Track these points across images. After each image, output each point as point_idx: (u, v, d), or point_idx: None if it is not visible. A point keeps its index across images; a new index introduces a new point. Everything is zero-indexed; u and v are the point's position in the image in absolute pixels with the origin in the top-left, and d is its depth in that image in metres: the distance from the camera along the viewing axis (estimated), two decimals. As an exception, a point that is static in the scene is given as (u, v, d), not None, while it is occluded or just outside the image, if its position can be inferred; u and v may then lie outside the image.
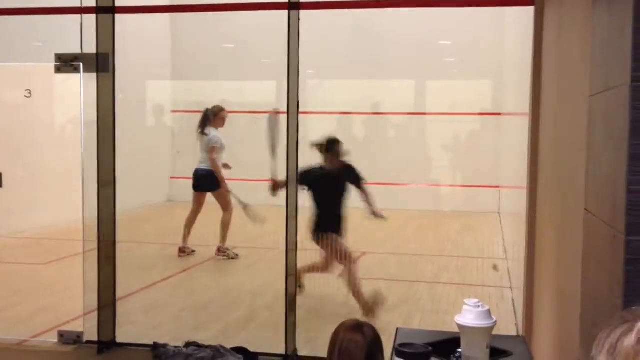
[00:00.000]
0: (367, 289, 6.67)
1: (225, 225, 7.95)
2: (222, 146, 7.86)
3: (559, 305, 2.89)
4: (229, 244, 7.98)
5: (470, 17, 11.04)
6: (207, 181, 7.87)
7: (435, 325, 5.35)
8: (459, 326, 1.85)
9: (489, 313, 1.83)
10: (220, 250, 7.83)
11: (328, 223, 5.71)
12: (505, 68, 10.21)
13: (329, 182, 5.69)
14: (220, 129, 7.94)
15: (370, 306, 5.45)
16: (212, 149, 7.76)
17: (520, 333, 4.35)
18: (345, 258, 5.68)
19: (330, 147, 5.73)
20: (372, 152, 12.15)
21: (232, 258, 7.79)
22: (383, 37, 11.65)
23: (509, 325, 4.86)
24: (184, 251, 7.84)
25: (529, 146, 4.22)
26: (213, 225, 8.22)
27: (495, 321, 1.84)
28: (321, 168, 5.73)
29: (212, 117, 7.89)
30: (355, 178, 5.87)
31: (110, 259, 4.84)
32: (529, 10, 4.40)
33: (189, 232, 7.94)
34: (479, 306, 1.82)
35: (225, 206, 7.94)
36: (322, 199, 5.76)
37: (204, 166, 7.85)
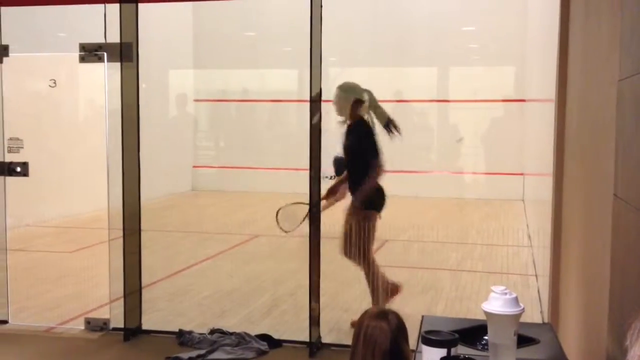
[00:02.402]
0: (390, 275, 6.68)
1: None
2: None
3: (586, 293, 2.86)
4: (250, 231, 7.97)
5: (494, 2, 10.93)
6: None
7: (459, 313, 5.33)
8: (486, 313, 1.83)
9: (516, 300, 1.82)
10: None
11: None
12: (529, 54, 10.09)
13: None
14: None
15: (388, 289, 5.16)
16: None
17: (546, 320, 4.32)
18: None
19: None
20: (394, 140, 12.10)
21: None
22: (405, 24, 11.58)
23: (534, 313, 4.84)
24: None
25: (554, 132, 4.17)
26: (236, 213, 8.26)
27: (523, 308, 1.82)
28: None
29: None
30: None
31: (135, 247, 4.88)
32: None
33: None
34: (506, 293, 1.80)
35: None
36: None
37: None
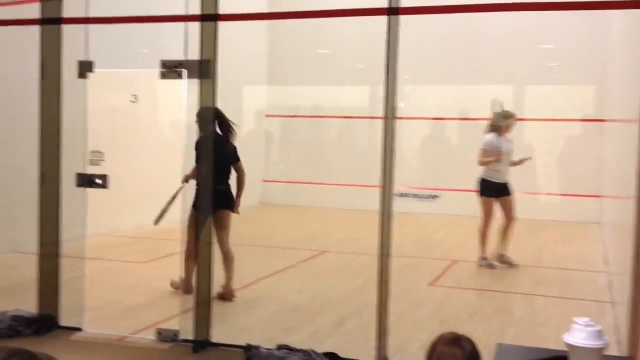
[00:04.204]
0: (459, 298, 6.56)
1: (502, 232, 7.75)
2: (492, 149, 7.56)
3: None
4: (318, 246, 7.96)
5: (573, 20, 10.66)
6: (485, 187, 7.67)
7: (532, 340, 5.17)
8: (568, 346, 1.76)
9: (600, 333, 1.74)
10: (501, 258, 7.69)
11: None
12: (610, 73, 9.78)
13: None
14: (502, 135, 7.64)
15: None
16: (481, 152, 7.65)
17: (625, 353, 4.13)
18: None
19: None
20: (466, 158, 11.92)
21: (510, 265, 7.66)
22: (481, 42, 11.43)
23: (611, 343, 4.64)
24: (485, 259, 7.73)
25: (638, 154, 4.01)
26: (304, 228, 8.28)
27: (608, 342, 1.74)
28: None
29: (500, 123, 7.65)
30: None
31: (206, 259, 4.95)
32: (637, 14, 4.20)
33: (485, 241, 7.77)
34: (590, 325, 1.73)
35: (505, 213, 7.74)
36: None
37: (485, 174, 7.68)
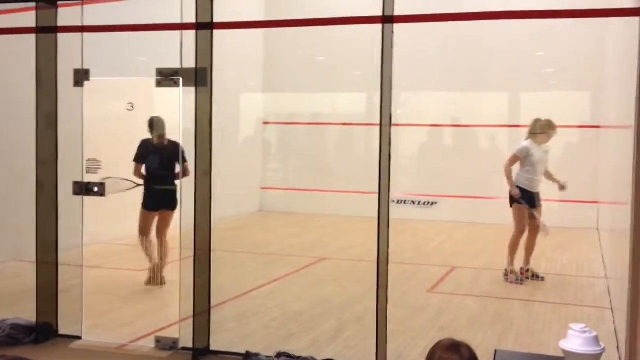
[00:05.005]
0: (458, 304, 6.56)
1: (524, 245, 7.54)
2: (526, 156, 7.39)
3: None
4: (317, 253, 7.97)
5: (569, 28, 10.70)
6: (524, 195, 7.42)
7: (531, 346, 5.17)
8: (564, 352, 1.77)
9: (596, 339, 1.75)
10: (522, 272, 7.47)
11: None
12: (606, 80, 9.81)
13: None
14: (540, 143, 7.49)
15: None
16: (511, 157, 7.52)
17: (623, 359, 4.14)
18: None
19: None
20: (464, 165, 11.95)
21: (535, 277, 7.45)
22: (477, 49, 11.46)
23: (610, 349, 4.64)
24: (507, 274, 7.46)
25: (634, 160, 4.03)
26: (303, 235, 8.29)
27: (604, 348, 1.75)
28: None
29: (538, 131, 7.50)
30: None
31: (205, 266, 4.95)
32: (633, 21, 4.22)
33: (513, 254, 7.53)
34: (586, 331, 1.73)
35: (516, 224, 7.52)
36: None
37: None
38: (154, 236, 6.78)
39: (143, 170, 6.52)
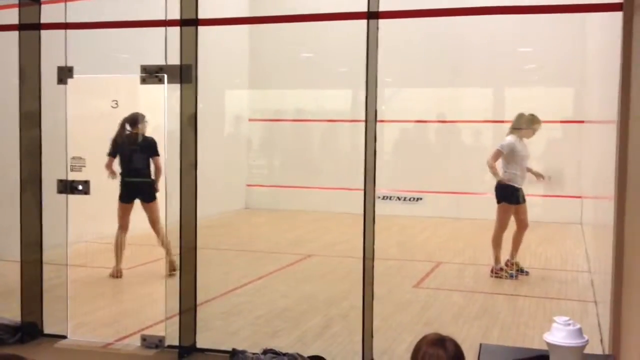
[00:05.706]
0: (444, 299, 6.59)
1: (511, 239, 7.52)
2: (510, 152, 7.33)
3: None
4: (303, 250, 7.97)
5: (551, 23, 10.76)
6: (509, 193, 7.36)
7: (515, 340, 5.21)
8: (549, 345, 1.78)
9: (580, 332, 1.77)
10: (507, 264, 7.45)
11: None
12: (588, 75, 9.89)
13: None
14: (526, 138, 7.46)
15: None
16: (494, 152, 7.43)
17: (607, 351, 4.18)
18: None
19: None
20: (448, 160, 12.00)
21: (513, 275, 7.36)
22: (461, 45, 11.51)
23: (593, 342, 4.69)
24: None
25: (616, 155, 4.06)
26: (289, 232, 8.30)
27: (587, 340, 1.77)
28: None
29: (523, 126, 7.42)
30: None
31: (191, 264, 4.94)
32: (615, 16, 4.25)
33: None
34: (569, 324, 1.75)
35: (499, 221, 7.52)
36: None
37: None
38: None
39: (116, 164, 6.64)
